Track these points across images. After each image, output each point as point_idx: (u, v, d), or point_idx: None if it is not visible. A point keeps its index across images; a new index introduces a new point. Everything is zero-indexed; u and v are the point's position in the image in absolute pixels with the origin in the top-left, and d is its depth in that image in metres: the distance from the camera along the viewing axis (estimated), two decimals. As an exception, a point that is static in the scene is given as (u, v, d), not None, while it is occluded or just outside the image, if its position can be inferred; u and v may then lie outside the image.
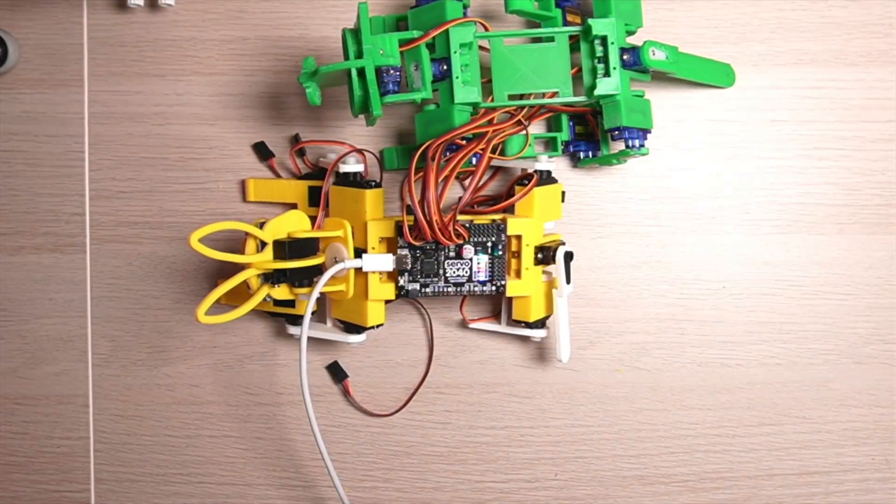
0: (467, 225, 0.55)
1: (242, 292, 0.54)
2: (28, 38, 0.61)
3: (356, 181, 0.56)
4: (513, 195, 0.56)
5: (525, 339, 0.60)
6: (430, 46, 0.53)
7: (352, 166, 0.56)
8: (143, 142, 0.61)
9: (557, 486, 0.62)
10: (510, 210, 0.57)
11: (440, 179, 0.51)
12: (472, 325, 0.61)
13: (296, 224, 0.55)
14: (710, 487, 0.62)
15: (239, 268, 0.54)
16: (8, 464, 0.62)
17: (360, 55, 0.52)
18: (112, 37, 0.61)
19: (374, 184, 0.56)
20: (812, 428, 0.62)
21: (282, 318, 0.60)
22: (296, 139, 0.60)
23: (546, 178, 0.57)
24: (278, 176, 0.60)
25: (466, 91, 0.53)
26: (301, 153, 0.60)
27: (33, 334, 0.62)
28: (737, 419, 0.61)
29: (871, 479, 0.62)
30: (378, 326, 0.57)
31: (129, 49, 0.61)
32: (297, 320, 0.58)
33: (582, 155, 0.59)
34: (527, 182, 0.56)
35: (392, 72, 0.52)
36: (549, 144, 0.60)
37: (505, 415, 0.61)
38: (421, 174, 0.51)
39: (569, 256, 0.56)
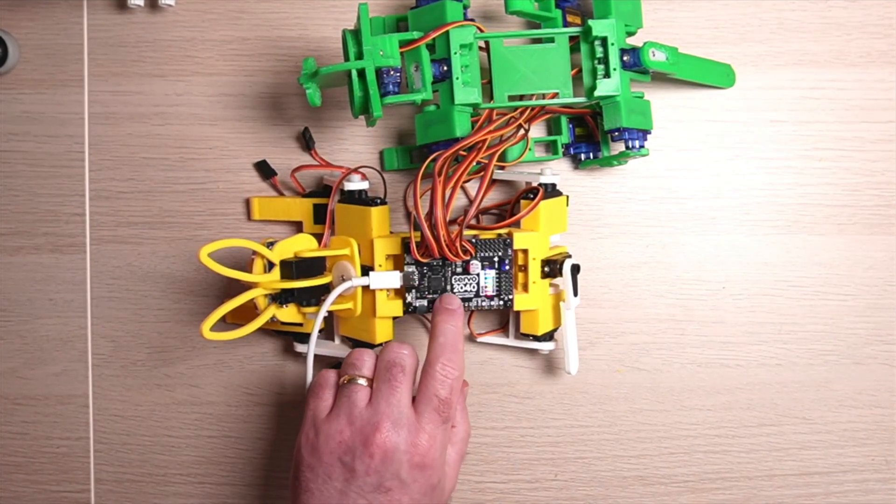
0: (473, 240, 0.55)
1: (247, 310, 0.54)
2: (28, 38, 0.61)
3: (361, 199, 0.56)
4: (518, 209, 0.56)
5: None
6: (431, 47, 0.53)
7: (357, 184, 0.56)
8: (143, 142, 0.61)
9: (557, 486, 0.62)
10: (516, 224, 0.57)
11: (446, 190, 0.51)
12: (480, 340, 0.60)
13: (304, 246, 0.55)
14: (710, 488, 0.62)
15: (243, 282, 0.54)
16: (8, 464, 0.62)
17: (360, 56, 0.52)
18: (112, 37, 0.61)
19: (379, 201, 0.55)
20: (812, 429, 0.62)
21: (289, 336, 0.60)
22: (305, 133, 0.60)
23: (551, 192, 0.57)
24: (281, 194, 0.60)
25: (466, 92, 0.53)
26: (310, 146, 0.60)
27: (33, 334, 0.62)
28: (737, 420, 0.61)
29: (871, 480, 0.62)
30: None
31: (129, 49, 0.61)
32: (304, 338, 0.58)
33: (582, 157, 0.59)
34: (532, 196, 0.56)
35: (392, 73, 0.51)
36: (550, 147, 0.60)
37: (505, 415, 0.61)
38: (427, 188, 0.51)
39: (576, 269, 0.56)
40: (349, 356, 0.53)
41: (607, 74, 0.54)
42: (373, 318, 0.55)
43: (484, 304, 0.55)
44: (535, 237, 0.56)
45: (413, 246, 0.52)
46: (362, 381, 0.51)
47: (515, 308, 0.56)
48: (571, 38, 0.56)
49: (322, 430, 0.51)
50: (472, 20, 0.54)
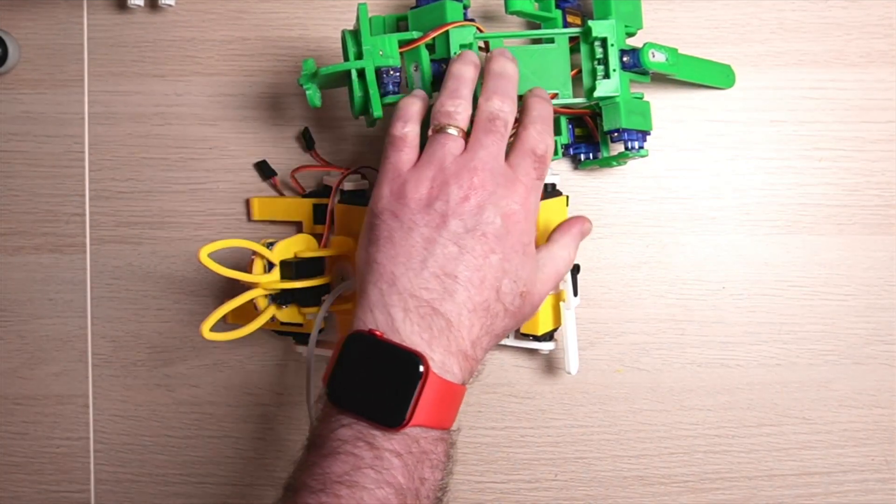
0: None
1: (247, 310, 0.54)
2: (28, 38, 0.61)
3: (361, 199, 0.56)
4: None
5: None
6: (430, 47, 0.53)
7: (356, 184, 0.56)
8: (143, 142, 0.61)
9: (557, 486, 0.62)
10: None
11: None
12: None
13: (304, 246, 0.55)
14: (710, 488, 0.62)
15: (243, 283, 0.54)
16: (8, 464, 0.62)
17: (359, 56, 0.52)
18: (112, 37, 0.61)
19: None
20: (812, 429, 0.62)
21: (289, 336, 0.60)
22: (305, 134, 0.60)
23: (551, 192, 0.57)
24: (281, 194, 0.60)
25: (466, 92, 0.53)
26: (310, 146, 0.60)
27: (33, 334, 0.62)
28: (736, 420, 0.61)
29: (871, 480, 0.62)
30: None
31: (129, 49, 0.61)
32: (304, 338, 0.58)
33: (582, 157, 0.59)
34: None
35: (392, 73, 0.52)
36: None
37: (505, 415, 0.61)
38: None
39: (576, 269, 0.56)
40: (442, 103, 0.49)
41: (607, 75, 0.54)
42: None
43: None
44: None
45: None
46: (454, 132, 0.48)
47: None
48: (571, 39, 0.56)
49: (410, 177, 0.47)
50: (472, 20, 0.54)
